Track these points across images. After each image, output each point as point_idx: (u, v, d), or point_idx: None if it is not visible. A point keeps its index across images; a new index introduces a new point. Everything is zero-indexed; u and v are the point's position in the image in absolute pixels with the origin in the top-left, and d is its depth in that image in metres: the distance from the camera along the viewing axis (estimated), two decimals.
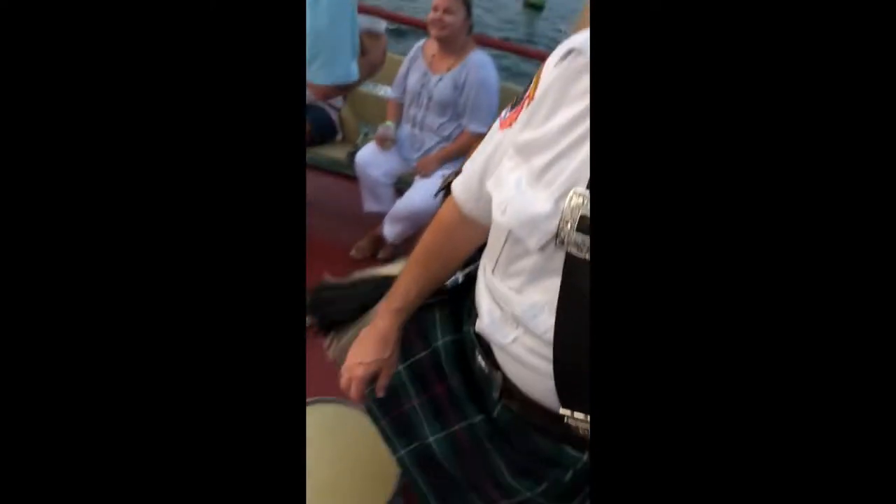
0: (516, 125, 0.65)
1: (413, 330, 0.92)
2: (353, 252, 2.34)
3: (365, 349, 0.89)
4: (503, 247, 0.69)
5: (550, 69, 0.60)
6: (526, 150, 0.62)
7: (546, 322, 0.63)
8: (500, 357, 0.75)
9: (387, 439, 0.95)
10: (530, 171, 0.61)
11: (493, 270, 0.72)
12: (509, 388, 0.75)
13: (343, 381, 0.91)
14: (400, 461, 0.93)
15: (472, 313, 0.80)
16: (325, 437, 1.20)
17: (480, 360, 0.79)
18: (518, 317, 0.68)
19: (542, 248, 0.61)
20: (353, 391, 0.90)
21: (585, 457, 0.72)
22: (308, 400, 1.26)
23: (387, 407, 0.94)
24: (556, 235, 0.57)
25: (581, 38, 0.57)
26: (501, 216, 0.63)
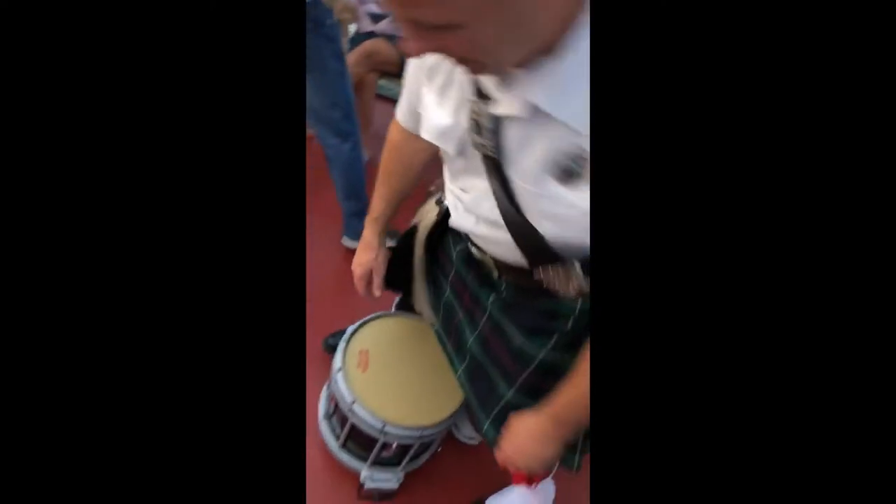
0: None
1: (442, 254, 1.09)
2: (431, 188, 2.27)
3: (358, 256, 1.16)
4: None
5: None
6: (430, 74, 0.75)
7: (489, 207, 0.74)
8: (478, 241, 0.89)
9: (451, 362, 1.12)
10: (435, 90, 0.74)
11: (448, 177, 0.88)
12: (498, 264, 0.89)
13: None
14: (459, 380, 1.09)
15: None
16: (415, 341, 1.36)
17: (473, 249, 0.94)
18: (470, 208, 0.82)
19: (461, 153, 0.74)
20: (357, 287, 1.17)
21: (580, 303, 0.81)
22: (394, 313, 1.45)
23: (447, 328, 1.12)
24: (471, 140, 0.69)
25: None
26: (425, 133, 0.77)
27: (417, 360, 1.33)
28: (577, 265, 0.70)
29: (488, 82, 0.63)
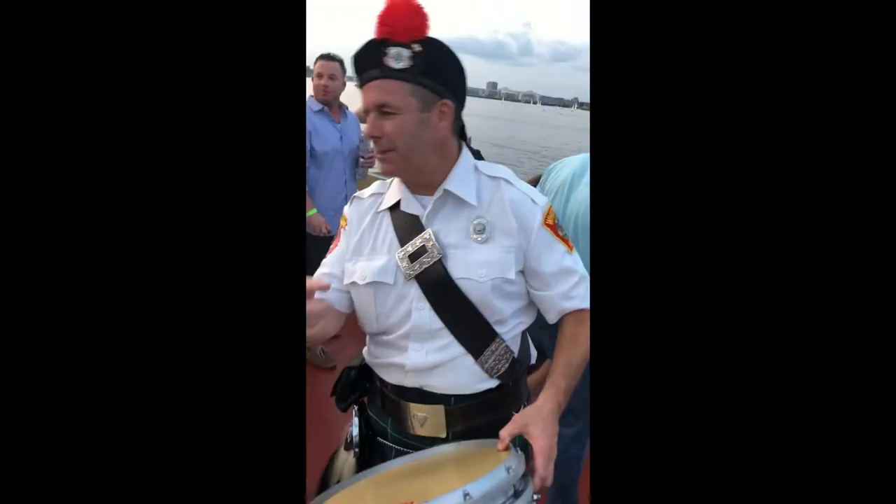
0: (339, 245, 1.06)
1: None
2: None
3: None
4: None
5: (348, 209, 1.04)
6: (356, 250, 1.01)
7: (428, 315, 0.95)
8: (431, 381, 0.99)
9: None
10: (364, 256, 1.00)
11: (374, 345, 1.05)
12: (449, 414, 0.99)
13: None
14: None
15: None
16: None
17: (416, 419, 1.02)
18: (414, 336, 0.99)
19: (395, 282, 0.96)
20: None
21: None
22: None
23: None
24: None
25: (360, 193, 1.04)
26: (367, 279, 0.97)
27: None
28: (503, 340, 0.94)
29: (412, 208, 0.95)
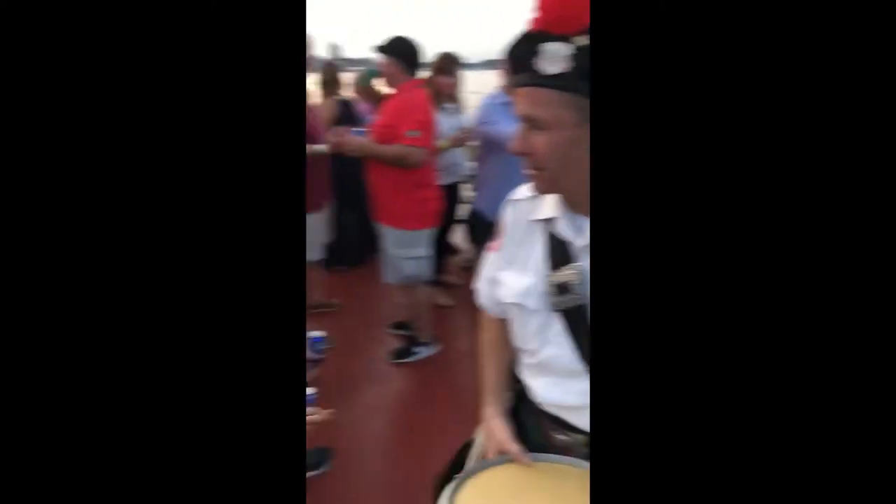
0: (498, 251, 0.98)
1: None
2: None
3: (493, 436, 0.99)
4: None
5: (507, 212, 0.95)
6: (510, 260, 0.94)
7: (568, 357, 0.88)
8: (570, 418, 0.95)
9: None
10: (515, 271, 0.92)
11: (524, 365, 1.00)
12: None
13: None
14: None
15: None
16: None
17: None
18: (548, 368, 0.94)
19: (537, 310, 0.88)
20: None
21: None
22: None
23: None
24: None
25: (521, 189, 0.92)
26: (507, 297, 0.90)
27: None
28: None
29: (565, 231, 0.83)
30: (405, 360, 2.82)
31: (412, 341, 2.87)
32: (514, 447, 0.93)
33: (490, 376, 1.05)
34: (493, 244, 1.00)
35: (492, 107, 2.46)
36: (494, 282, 0.97)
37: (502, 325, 1.00)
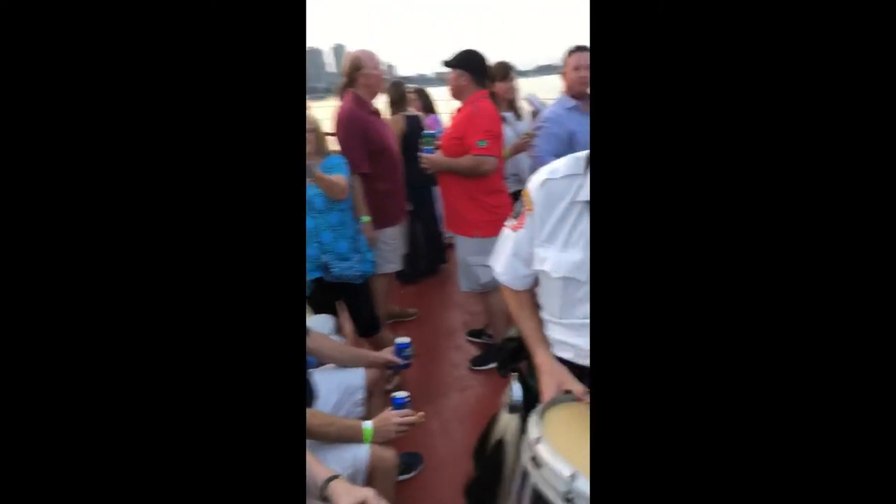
0: (524, 228, 1.06)
1: None
2: None
3: (552, 379, 1.10)
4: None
5: (537, 190, 1.01)
6: (549, 238, 1.02)
7: None
8: None
9: None
10: (558, 245, 1.00)
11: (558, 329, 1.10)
12: None
13: None
14: None
15: None
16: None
17: None
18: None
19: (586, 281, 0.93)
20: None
21: None
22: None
23: None
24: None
25: (552, 167, 0.99)
26: (557, 273, 0.98)
27: None
28: None
29: None
30: (485, 367, 2.83)
31: (490, 348, 2.88)
32: (577, 385, 1.02)
33: (531, 330, 1.16)
34: (515, 223, 1.08)
35: (561, 112, 2.46)
36: (522, 258, 1.07)
37: (526, 294, 1.16)
